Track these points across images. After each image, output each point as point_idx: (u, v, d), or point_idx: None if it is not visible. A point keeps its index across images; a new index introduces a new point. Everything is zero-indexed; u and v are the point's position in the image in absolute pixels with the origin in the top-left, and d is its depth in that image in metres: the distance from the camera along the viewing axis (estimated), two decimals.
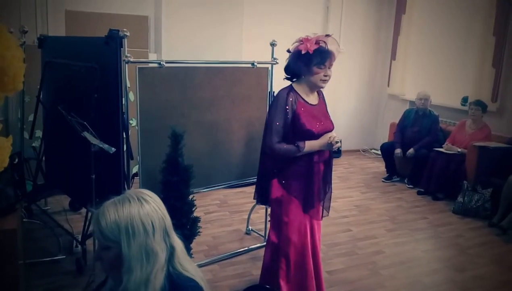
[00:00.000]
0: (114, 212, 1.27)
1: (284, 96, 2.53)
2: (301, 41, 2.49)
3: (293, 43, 2.55)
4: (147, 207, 1.30)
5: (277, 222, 2.65)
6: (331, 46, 2.48)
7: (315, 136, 2.54)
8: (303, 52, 2.45)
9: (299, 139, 2.53)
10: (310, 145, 2.53)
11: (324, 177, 2.70)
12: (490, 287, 3.27)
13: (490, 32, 5.39)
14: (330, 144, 2.55)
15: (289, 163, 2.58)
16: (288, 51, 2.61)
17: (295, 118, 2.52)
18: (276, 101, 2.57)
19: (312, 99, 2.63)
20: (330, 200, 2.75)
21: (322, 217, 2.71)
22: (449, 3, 6.20)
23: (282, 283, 2.63)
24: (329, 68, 2.51)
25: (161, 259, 1.30)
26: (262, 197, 2.82)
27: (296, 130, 2.53)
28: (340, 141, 2.67)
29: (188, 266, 1.39)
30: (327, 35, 2.50)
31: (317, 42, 2.45)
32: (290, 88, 2.57)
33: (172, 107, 3.12)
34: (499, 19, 5.29)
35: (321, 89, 2.72)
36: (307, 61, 2.48)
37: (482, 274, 3.45)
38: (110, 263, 1.31)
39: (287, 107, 2.50)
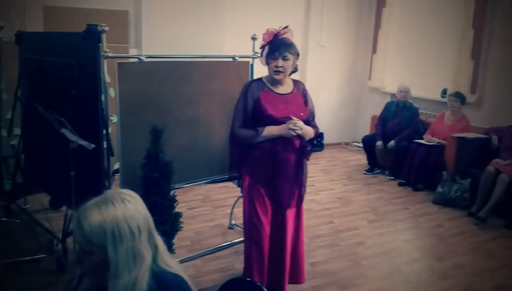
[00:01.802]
0: (98, 215, 1.22)
1: (247, 85, 2.64)
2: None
3: (262, 36, 2.67)
4: (131, 209, 1.26)
5: (247, 211, 2.67)
6: (283, 36, 2.58)
7: (277, 121, 2.55)
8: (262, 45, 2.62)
9: (261, 125, 2.56)
10: (269, 130, 2.55)
11: (299, 172, 2.70)
12: (468, 275, 3.34)
13: (469, 24, 5.47)
14: (288, 129, 2.53)
15: (253, 149, 2.61)
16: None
17: (257, 104, 2.57)
18: (241, 90, 2.66)
19: (281, 89, 2.65)
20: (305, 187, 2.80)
21: (291, 206, 2.71)
22: None
23: (255, 273, 2.66)
24: (283, 60, 2.54)
25: (148, 260, 1.28)
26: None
27: (258, 116, 2.57)
28: (300, 129, 2.55)
29: (171, 263, 1.38)
30: (285, 27, 2.59)
31: (272, 35, 2.59)
32: (257, 79, 2.67)
33: (152, 103, 3.10)
34: (478, 12, 5.38)
35: (291, 80, 2.74)
36: (264, 53, 2.61)
37: (461, 263, 3.52)
38: (93, 267, 1.26)
39: (248, 94, 2.58)
